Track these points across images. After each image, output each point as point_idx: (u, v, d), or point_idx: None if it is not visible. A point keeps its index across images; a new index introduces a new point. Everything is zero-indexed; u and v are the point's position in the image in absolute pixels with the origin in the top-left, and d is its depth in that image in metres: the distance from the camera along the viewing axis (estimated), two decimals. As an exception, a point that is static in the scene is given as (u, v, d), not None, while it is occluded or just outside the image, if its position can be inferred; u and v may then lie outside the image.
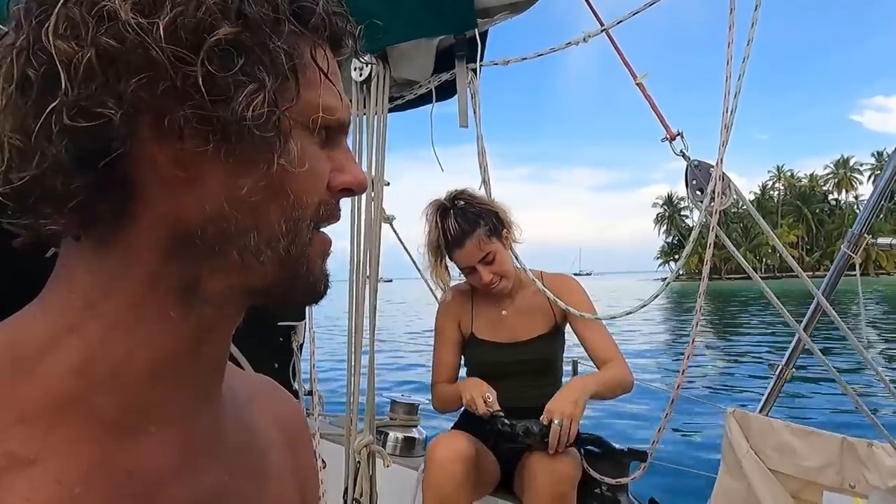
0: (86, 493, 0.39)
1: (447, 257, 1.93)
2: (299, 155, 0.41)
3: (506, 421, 1.72)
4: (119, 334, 0.41)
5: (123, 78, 0.35)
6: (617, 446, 1.86)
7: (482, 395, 1.76)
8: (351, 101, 1.87)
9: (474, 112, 1.82)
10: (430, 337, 2.17)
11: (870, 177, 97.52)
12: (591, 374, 1.95)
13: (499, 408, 1.75)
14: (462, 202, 1.89)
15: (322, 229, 0.46)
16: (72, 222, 0.39)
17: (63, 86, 0.35)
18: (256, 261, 0.41)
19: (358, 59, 0.48)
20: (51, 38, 0.35)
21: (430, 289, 2.74)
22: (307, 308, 3.18)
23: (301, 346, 3.22)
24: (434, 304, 2.37)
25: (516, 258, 1.96)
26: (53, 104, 0.35)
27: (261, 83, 0.38)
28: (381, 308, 2.04)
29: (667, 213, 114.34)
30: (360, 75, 1.86)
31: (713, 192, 1.63)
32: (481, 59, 1.78)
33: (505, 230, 1.90)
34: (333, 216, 0.46)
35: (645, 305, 1.74)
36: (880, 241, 1.83)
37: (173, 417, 0.44)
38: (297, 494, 0.55)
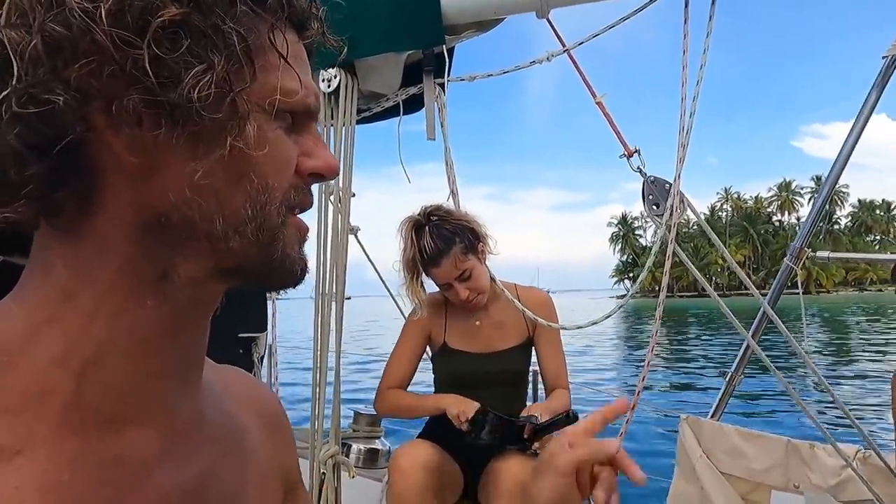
0: (73, 480, 0.39)
1: (423, 274, 1.94)
2: (257, 138, 0.40)
3: (500, 415, 1.73)
4: (98, 324, 0.41)
5: (70, 63, 0.35)
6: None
7: (472, 410, 1.76)
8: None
9: (441, 125, 1.87)
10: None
11: (809, 199, 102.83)
12: (546, 403, 1.99)
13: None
14: (436, 218, 1.90)
15: (298, 216, 0.46)
16: (29, 211, 0.38)
17: (14, 74, 0.34)
18: (226, 245, 0.41)
19: (324, 44, 0.48)
20: (1, 28, 0.35)
21: (397, 305, 2.74)
22: (268, 319, 3.14)
23: (262, 358, 3.16)
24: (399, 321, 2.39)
25: (489, 271, 1.99)
26: (5, 92, 0.35)
27: (210, 64, 0.37)
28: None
29: (621, 233, 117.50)
30: (329, 86, 1.88)
31: (671, 206, 1.71)
32: (448, 75, 1.83)
33: (480, 244, 1.93)
34: (306, 201, 0.46)
35: (609, 316, 1.81)
36: (819, 254, 1.97)
37: (156, 405, 0.44)
38: (278, 474, 0.56)
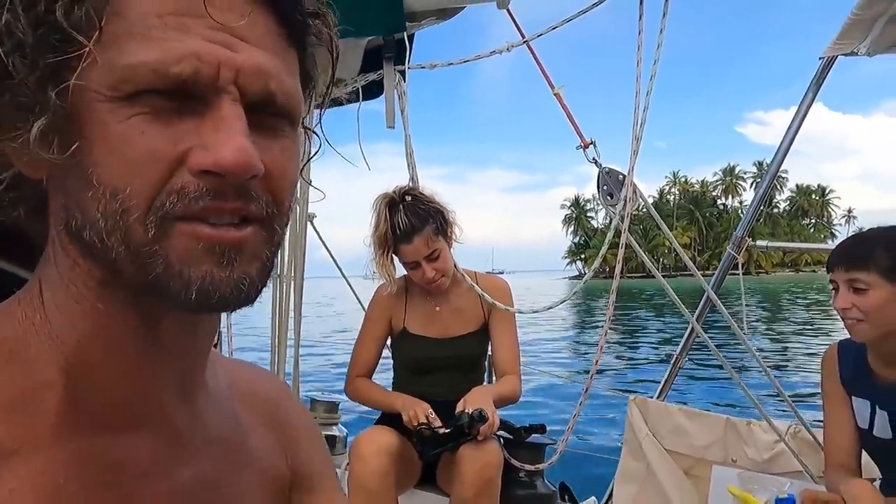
0: (69, 483, 0.38)
1: (392, 250, 1.94)
2: (89, 133, 0.35)
3: (436, 427, 1.76)
4: (75, 325, 0.40)
5: None
6: (517, 426, 1.97)
7: (426, 414, 1.79)
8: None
9: (402, 113, 1.86)
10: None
11: (751, 184, 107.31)
12: (490, 385, 2.04)
13: (439, 423, 1.79)
14: (411, 198, 1.92)
15: (213, 222, 0.36)
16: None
17: None
18: (108, 258, 0.36)
19: None
20: None
21: (351, 288, 2.74)
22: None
23: (216, 345, 3.10)
24: (353, 305, 2.39)
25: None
26: None
27: None
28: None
29: (574, 215, 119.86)
30: (286, 71, 1.84)
31: (626, 197, 1.77)
32: (409, 62, 1.82)
33: (449, 229, 1.95)
34: (197, 207, 0.35)
35: (564, 301, 1.87)
36: (759, 243, 2.09)
37: (151, 409, 0.43)
38: (284, 468, 0.55)
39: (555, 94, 1.82)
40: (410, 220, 1.86)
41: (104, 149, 0.35)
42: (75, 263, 0.39)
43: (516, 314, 2.00)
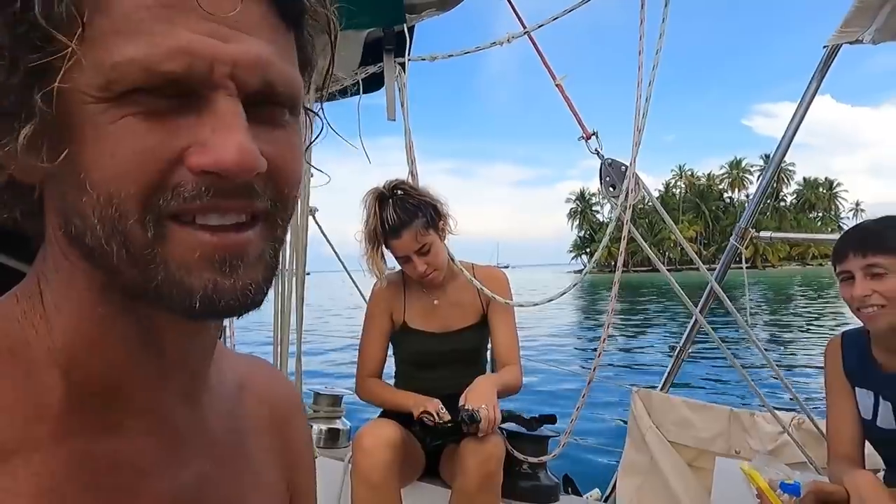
0: (67, 485, 0.38)
1: (383, 245, 1.94)
2: (79, 136, 0.33)
3: (441, 419, 1.78)
4: (76, 327, 0.39)
5: None
6: (527, 416, 1.97)
7: (436, 410, 1.80)
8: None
9: (402, 105, 1.86)
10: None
11: (758, 177, 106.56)
12: (494, 374, 2.04)
13: (448, 418, 1.80)
14: (401, 192, 1.91)
15: (212, 225, 0.35)
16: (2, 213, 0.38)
17: None
18: (112, 263, 0.35)
19: None
20: None
21: (353, 282, 2.75)
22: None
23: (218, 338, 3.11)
24: (355, 298, 2.39)
25: (448, 250, 2.01)
26: None
27: None
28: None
29: (579, 209, 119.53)
30: (287, 64, 1.84)
31: (627, 189, 1.76)
32: (409, 54, 1.82)
33: (441, 222, 1.94)
34: (194, 206, 0.34)
35: (564, 293, 1.86)
36: (762, 233, 2.07)
37: (154, 410, 0.42)
38: (281, 478, 0.54)
39: (556, 86, 1.81)
40: (399, 215, 1.85)
41: (96, 152, 0.33)
42: (75, 267, 0.38)
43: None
